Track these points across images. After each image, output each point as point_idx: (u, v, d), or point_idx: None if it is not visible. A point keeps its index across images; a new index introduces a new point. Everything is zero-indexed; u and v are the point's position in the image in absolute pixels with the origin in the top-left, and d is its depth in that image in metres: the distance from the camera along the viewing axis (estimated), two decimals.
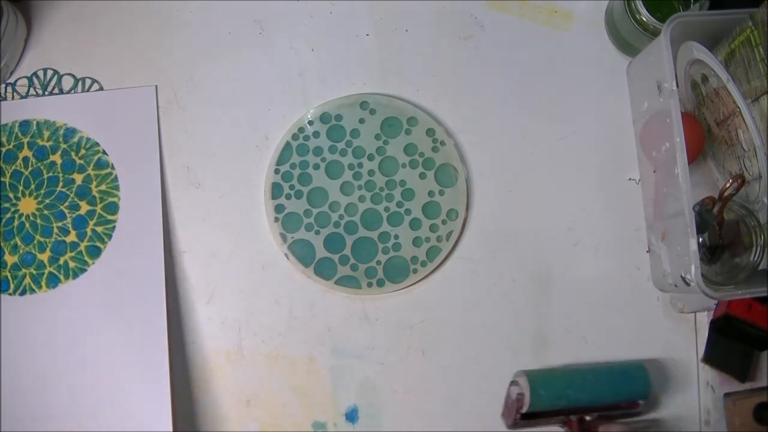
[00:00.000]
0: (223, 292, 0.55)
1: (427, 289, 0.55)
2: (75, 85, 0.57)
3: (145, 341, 0.53)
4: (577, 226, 0.56)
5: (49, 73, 0.57)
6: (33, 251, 0.55)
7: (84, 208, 0.55)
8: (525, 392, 0.51)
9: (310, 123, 0.55)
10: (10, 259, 0.55)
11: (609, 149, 0.57)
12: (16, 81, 0.57)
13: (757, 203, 0.52)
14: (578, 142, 0.57)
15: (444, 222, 0.55)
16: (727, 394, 0.55)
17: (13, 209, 0.55)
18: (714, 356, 0.55)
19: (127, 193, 0.55)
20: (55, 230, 0.55)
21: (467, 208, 0.56)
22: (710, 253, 0.51)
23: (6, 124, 0.56)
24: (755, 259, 0.51)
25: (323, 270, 0.54)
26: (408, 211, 0.55)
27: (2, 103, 0.56)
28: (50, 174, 0.55)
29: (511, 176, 0.57)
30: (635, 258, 0.56)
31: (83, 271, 0.54)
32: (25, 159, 0.56)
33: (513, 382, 0.53)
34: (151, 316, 0.53)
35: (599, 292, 0.56)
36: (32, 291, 0.54)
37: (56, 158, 0.56)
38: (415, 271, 0.55)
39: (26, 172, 0.56)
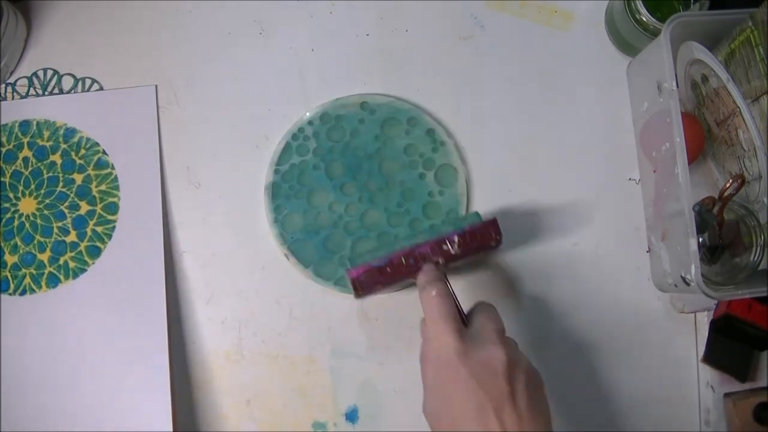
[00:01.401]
0: (223, 292, 0.55)
1: None
2: (75, 85, 0.57)
3: (145, 341, 0.53)
4: (577, 226, 0.56)
5: (49, 73, 0.57)
6: (33, 251, 0.55)
7: (84, 208, 0.55)
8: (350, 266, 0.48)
9: (310, 123, 0.55)
10: (10, 259, 0.55)
11: (609, 149, 0.57)
12: (16, 81, 0.57)
13: (757, 203, 0.52)
14: (578, 142, 0.57)
15: (444, 222, 0.55)
16: (727, 394, 0.55)
17: (13, 209, 0.55)
18: (714, 356, 0.55)
19: (127, 193, 0.55)
20: (55, 230, 0.55)
21: (467, 208, 0.56)
22: (710, 253, 0.51)
23: (6, 124, 0.56)
24: (755, 259, 0.51)
25: (323, 270, 0.54)
26: (408, 211, 0.55)
27: (2, 103, 0.56)
28: (50, 174, 0.55)
29: (511, 176, 0.57)
30: (635, 258, 0.56)
31: (83, 271, 0.54)
32: (25, 159, 0.56)
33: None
34: (151, 316, 0.53)
35: (599, 292, 0.56)
36: (32, 291, 0.54)
37: (56, 158, 0.56)
38: None
39: (26, 172, 0.56)
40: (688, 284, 0.48)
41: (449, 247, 0.48)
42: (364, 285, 0.47)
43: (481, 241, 0.49)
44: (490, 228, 0.49)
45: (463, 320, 0.45)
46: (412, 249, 0.48)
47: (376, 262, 0.47)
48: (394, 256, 0.47)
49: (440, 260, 0.48)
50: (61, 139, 0.56)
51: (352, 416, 0.55)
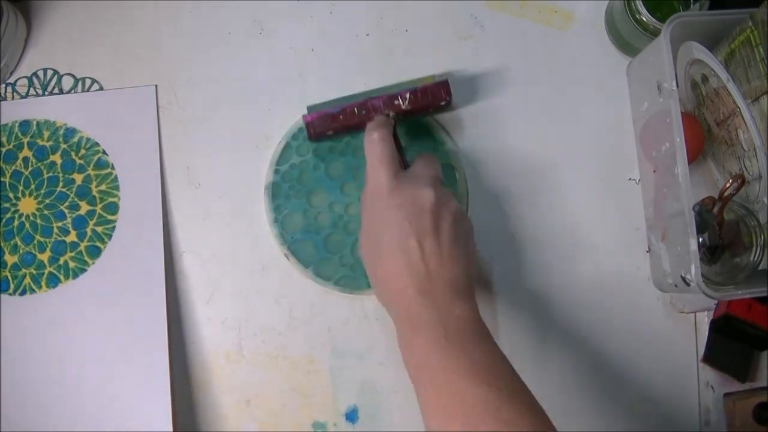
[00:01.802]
0: (223, 292, 0.55)
1: None
2: (75, 85, 0.57)
3: (145, 341, 0.53)
4: (577, 226, 0.56)
5: (49, 73, 0.57)
6: (33, 251, 0.55)
7: (84, 208, 0.55)
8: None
9: None
10: (10, 259, 0.55)
11: (609, 149, 0.57)
12: (16, 81, 0.57)
13: (757, 203, 0.52)
14: (578, 143, 0.57)
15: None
16: (727, 394, 0.55)
17: (13, 209, 0.55)
18: (714, 356, 0.55)
19: (127, 193, 0.55)
20: (55, 230, 0.55)
21: (467, 209, 0.56)
22: (710, 253, 0.51)
23: (6, 124, 0.56)
24: (755, 259, 0.51)
25: (323, 270, 0.54)
26: None
27: (2, 103, 0.56)
28: (50, 174, 0.55)
29: (511, 176, 0.57)
30: (635, 258, 0.56)
31: (83, 271, 0.54)
32: (25, 159, 0.56)
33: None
34: (151, 316, 0.53)
35: (599, 292, 0.56)
36: (32, 291, 0.54)
37: (56, 158, 0.56)
38: None
39: (26, 172, 0.56)
40: (688, 284, 0.48)
41: (400, 101, 0.51)
42: (317, 129, 0.52)
43: (432, 99, 0.52)
44: (441, 88, 0.52)
45: (406, 166, 0.49)
46: (365, 101, 0.52)
47: (331, 109, 0.52)
48: (348, 106, 0.51)
49: (390, 113, 0.51)
50: (61, 139, 0.56)
51: (352, 416, 0.55)
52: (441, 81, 0.52)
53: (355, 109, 0.51)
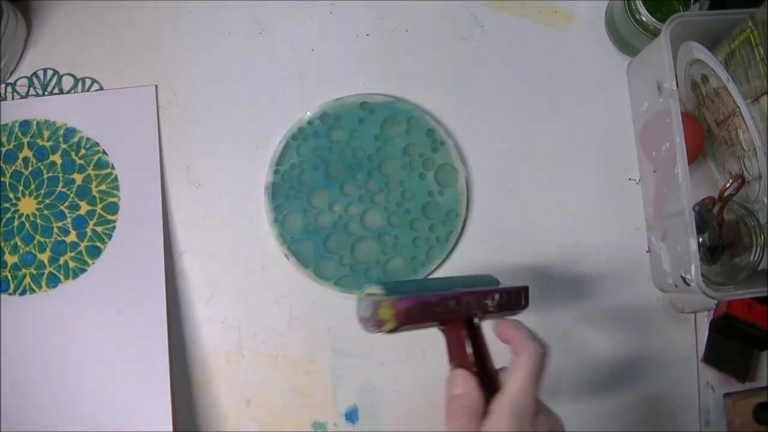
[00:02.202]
0: (223, 292, 0.55)
1: None
2: (75, 85, 0.57)
3: (145, 341, 0.53)
4: (577, 226, 0.56)
5: (49, 73, 0.57)
6: (33, 251, 0.55)
7: (84, 208, 0.55)
8: (378, 292, 0.44)
9: (310, 123, 0.55)
10: (10, 259, 0.55)
11: (609, 149, 0.57)
12: (16, 81, 0.57)
13: (757, 203, 0.52)
14: (578, 143, 0.57)
15: (444, 222, 0.55)
16: (727, 394, 0.55)
17: (13, 209, 0.55)
18: (714, 356, 0.55)
19: (127, 193, 0.55)
20: (55, 230, 0.55)
21: (467, 208, 0.56)
22: (710, 253, 0.51)
23: (6, 124, 0.56)
24: (755, 259, 0.51)
25: (323, 270, 0.54)
26: (408, 211, 0.55)
27: (2, 103, 0.56)
28: (50, 174, 0.55)
29: (511, 176, 0.57)
30: (635, 258, 0.56)
31: (83, 271, 0.54)
32: (25, 159, 0.56)
33: (365, 296, 0.45)
34: (151, 316, 0.53)
35: (599, 292, 0.56)
36: (32, 291, 0.54)
37: (56, 158, 0.56)
38: (414, 271, 0.55)
39: (26, 172, 0.56)
40: (688, 284, 0.48)
41: (488, 302, 0.45)
42: (413, 317, 0.43)
43: (514, 303, 0.46)
44: (522, 293, 0.46)
45: (489, 372, 0.43)
46: (460, 295, 0.44)
47: (429, 298, 0.43)
48: (444, 296, 0.44)
49: (479, 314, 0.45)
50: (61, 139, 0.56)
51: (352, 416, 0.55)
52: (522, 287, 0.46)
53: (448, 301, 0.43)
